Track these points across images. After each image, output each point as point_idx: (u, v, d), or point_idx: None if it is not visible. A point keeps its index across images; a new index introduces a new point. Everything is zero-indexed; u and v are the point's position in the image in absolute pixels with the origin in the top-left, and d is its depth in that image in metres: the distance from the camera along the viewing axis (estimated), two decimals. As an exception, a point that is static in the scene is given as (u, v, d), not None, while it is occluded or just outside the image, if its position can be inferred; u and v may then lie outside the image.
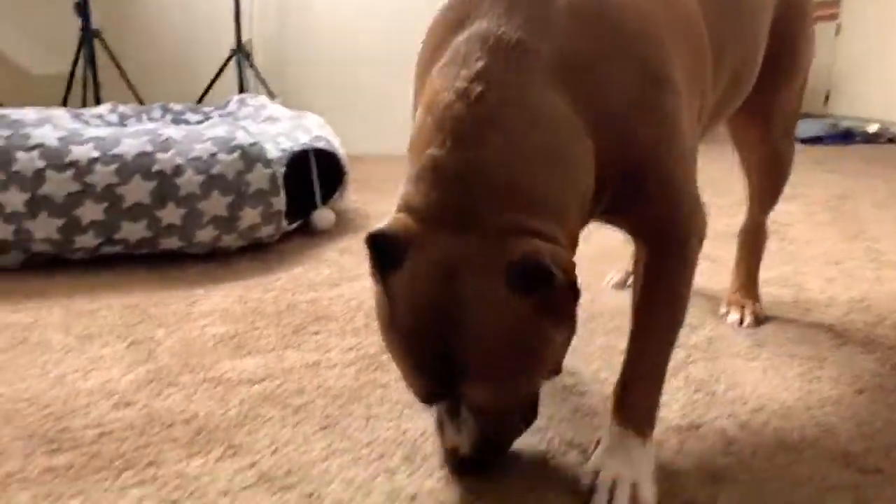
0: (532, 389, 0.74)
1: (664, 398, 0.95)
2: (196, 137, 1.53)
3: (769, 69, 1.07)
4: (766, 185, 1.23)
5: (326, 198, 1.84)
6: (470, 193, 0.62)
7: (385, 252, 0.64)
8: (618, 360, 1.06)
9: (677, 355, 1.08)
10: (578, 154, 0.67)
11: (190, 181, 1.46)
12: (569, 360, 1.07)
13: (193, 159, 1.49)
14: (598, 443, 0.79)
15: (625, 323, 1.20)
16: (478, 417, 0.71)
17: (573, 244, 0.70)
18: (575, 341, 1.11)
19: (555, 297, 0.63)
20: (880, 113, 4.03)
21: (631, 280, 1.37)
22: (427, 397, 0.70)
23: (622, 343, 1.12)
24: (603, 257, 1.59)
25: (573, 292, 0.65)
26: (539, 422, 0.89)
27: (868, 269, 1.52)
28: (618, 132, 0.69)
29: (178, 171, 1.46)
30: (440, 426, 0.76)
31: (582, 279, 1.43)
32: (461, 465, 0.76)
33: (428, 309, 0.63)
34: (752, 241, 1.29)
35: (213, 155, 1.50)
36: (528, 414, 0.78)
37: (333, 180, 1.87)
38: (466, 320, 0.62)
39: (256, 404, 0.94)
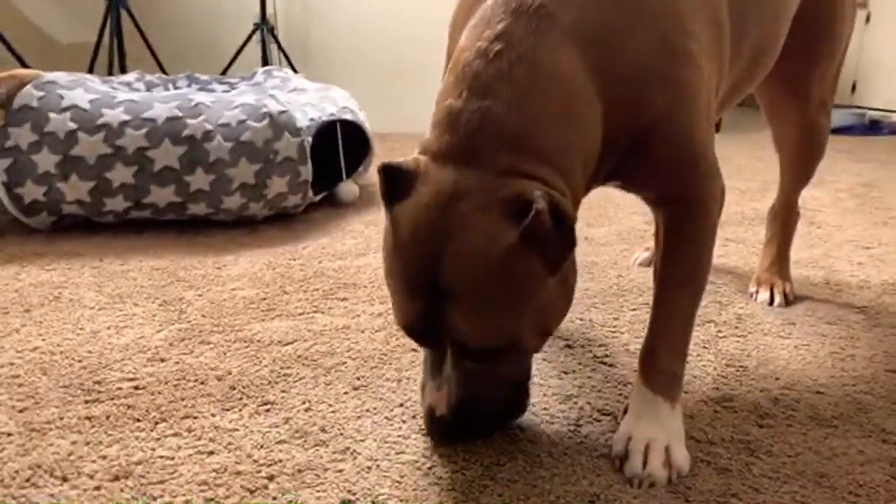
0: (517, 338, 0.69)
1: (696, 371, 0.95)
2: (226, 104, 1.54)
3: (807, 41, 1.05)
4: (801, 161, 1.21)
5: (351, 171, 1.84)
6: (478, 136, 0.66)
7: (395, 182, 0.68)
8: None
9: (708, 330, 1.08)
10: (586, 114, 0.70)
11: (219, 147, 1.47)
12: (598, 333, 1.07)
13: (223, 125, 1.49)
14: (626, 410, 0.79)
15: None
16: (460, 366, 0.70)
17: (575, 201, 0.71)
18: (603, 315, 1.11)
19: (546, 236, 0.64)
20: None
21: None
22: (413, 323, 0.69)
23: (652, 317, 1.12)
24: (629, 237, 1.58)
25: (567, 238, 0.66)
26: (570, 390, 0.89)
27: (899, 255, 1.50)
28: (632, 99, 0.71)
29: (207, 136, 1.46)
30: (422, 388, 0.76)
31: (610, 257, 1.43)
32: (438, 427, 0.74)
33: (422, 232, 0.66)
34: (784, 220, 1.27)
35: (243, 122, 1.50)
36: (515, 392, 0.76)
37: (358, 154, 1.87)
38: (457, 244, 0.64)
39: (288, 364, 0.95)
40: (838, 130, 3.82)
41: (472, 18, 0.73)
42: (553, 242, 0.65)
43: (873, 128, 3.78)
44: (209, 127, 1.47)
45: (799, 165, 1.22)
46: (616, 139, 0.72)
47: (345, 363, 0.95)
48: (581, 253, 1.43)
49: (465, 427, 0.75)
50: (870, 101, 4.27)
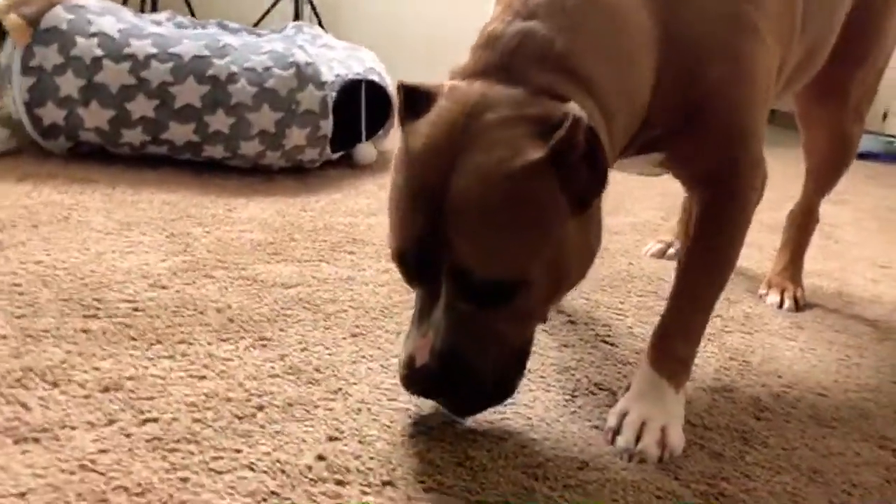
0: (526, 275, 0.60)
1: (698, 361, 0.93)
2: (254, 49, 1.52)
3: (851, 44, 1.03)
4: (827, 166, 1.19)
5: (371, 134, 1.82)
6: (516, 54, 0.61)
7: (414, 101, 0.62)
8: (652, 319, 1.05)
9: (714, 324, 1.06)
10: (640, 62, 0.66)
11: (242, 90, 1.45)
12: (603, 314, 1.06)
13: (248, 69, 1.47)
14: (627, 387, 0.78)
15: (661, 287, 1.18)
16: (453, 308, 0.61)
17: (613, 148, 0.66)
18: (610, 298, 1.10)
19: (576, 163, 0.58)
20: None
21: (669, 251, 1.36)
22: (408, 245, 0.60)
23: (657, 304, 1.11)
24: (644, 229, 1.57)
25: (599, 174, 0.60)
26: (568, 363, 0.88)
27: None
28: (688, 64, 0.68)
29: (231, 78, 1.45)
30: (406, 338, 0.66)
31: (622, 245, 1.41)
32: (415, 378, 0.63)
33: (435, 144, 0.58)
34: (801, 225, 1.25)
35: (268, 69, 1.49)
36: (511, 360, 0.66)
37: (380, 117, 1.85)
38: (472, 155, 0.57)
39: (289, 305, 0.94)
40: (864, 156, 3.76)
41: None
42: (583, 174, 0.59)
43: (901, 157, 3.72)
44: (234, 69, 1.46)
45: (825, 171, 1.20)
46: (664, 106, 0.68)
47: (345, 311, 0.94)
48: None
49: (448, 382, 0.62)
50: (901, 130, 4.20)
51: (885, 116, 4.40)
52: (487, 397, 0.66)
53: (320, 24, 2.98)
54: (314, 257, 1.13)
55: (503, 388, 0.66)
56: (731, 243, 0.77)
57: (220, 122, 1.46)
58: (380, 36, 3.18)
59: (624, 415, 0.73)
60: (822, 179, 1.21)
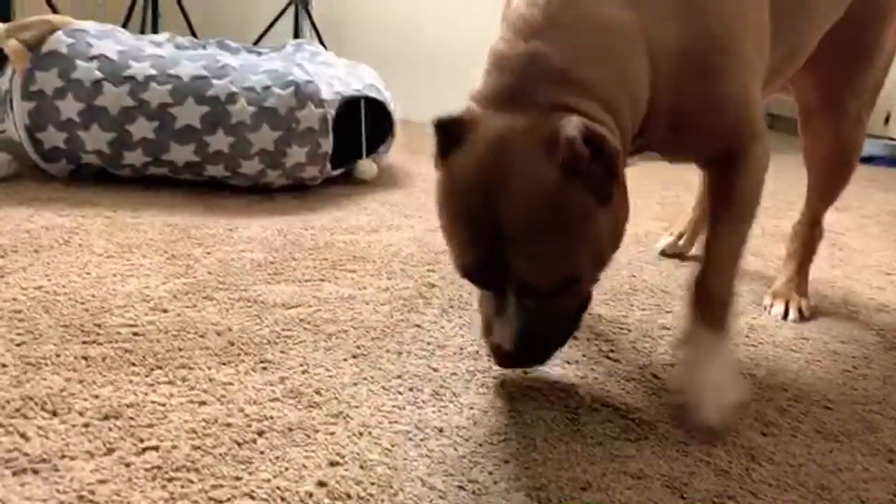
0: (576, 271, 0.71)
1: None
2: (252, 68, 1.53)
3: (849, 49, 1.03)
4: (830, 176, 1.18)
5: (371, 151, 1.83)
6: (524, 76, 0.68)
7: (449, 134, 0.70)
8: (655, 333, 1.04)
9: (718, 337, 1.05)
10: (634, 64, 0.72)
11: (242, 110, 1.46)
12: (606, 328, 1.05)
13: (247, 89, 1.48)
14: (678, 345, 0.84)
15: (664, 300, 1.18)
16: (521, 305, 0.72)
17: (624, 140, 0.74)
18: (613, 312, 1.10)
19: (586, 167, 0.65)
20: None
21: (680, 243, 1.41)
22: (475, 269, 0.72)
23: (660, 318, 1.10)
24: (646, 240, 1.56)
25: (609, 167, 0.66)
26: (572, 380, 0.88)
27: (921, 283, 1.46)
28: (675, 74, 0.74)
29: (231, 98, 1.46)
30: (486, 328, 0.77)
31: (625, 258, 1.40)
32: (505, 361, 0.78)
33: (477, 180, 0.68)
34: (806, 238, 1.24)
35: (267, 88, 1.49)
36: (572, 321, 0.79)
37: (380, 134, 1.85)
38: (508, 189, 0.66)
39: (290, 326, 0.94)
40: (867, 160, 3.75)
41: None
42: (595, 172, 0.66)
43: (904, 160, 3.71)
44: (234, 89, 1.47)
45: (828, 181, 1.19)
46: (656, 111, 0.75)
47: (346, 331, 0.94)
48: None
49: (528, 357, 0.78)
50: (903, 133, 4.19)
51: (887, 120, 4.39)
52: (557, 347, 0.80)
53: (321, 40, 3.00)
54: (315, 276, 1.13)
55: (567, 338, 0.81)
56: (746, 193, 0.85)
57: (220, 142, 1.46)
58: (380, 52, 3.20)
59: (687, 380, 0.80)
60: (824, 190, 1.20)
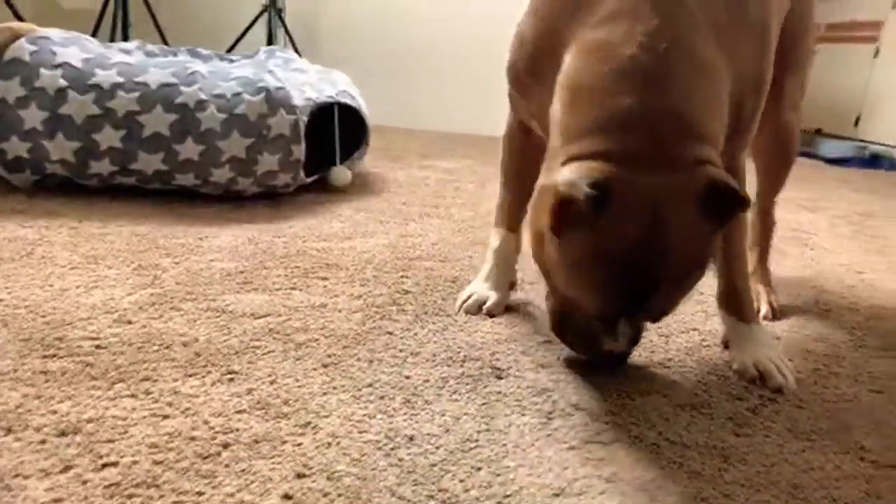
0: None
1: (675, 377, 0.93)
2: (223, 75, 1.51)
3: (783, 54, 1.08)
4: (775, 164, 1.25)
5: (346, 157, 1.81)
6: (662, 135, 0.72)
7: (595, 197, 0.71)
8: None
9: (692, 338, 1.06)
10: (726, 100, 0.80)
11: (212, 117, 1.44)
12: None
13: (217, 96, 1.46)
14: (725, 343, 1.01)
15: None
16: (643, 324, 0.84)
17: None
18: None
19: (729, 215, 0.75)
20: (911, 141, 3.95)
21: None
22: (623, 312, 0.79)
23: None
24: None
25: (739, 205, 0.75)
26: (545, 384, 0.87)
27: (891, 281, 1.48)
28: (739, 92, 0.82)
29: (201, 106, 1.44)
30: (588, 340, 0.85)
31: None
32: (615, 363, 0.90)
33: (640, 236, 0.72)
34: (762, 228, 1.30)
35: (238, 94, 1.47)
36: None
37: (355, 140, 1.84)
38: (668, 245, 0.72)
39: (258, 336, 0.92)
40: (837, 161, 3.82)
41: (597, 10, 0.78)
42: (730, 218, 0.76)
43: (873, 162, 3.78)
44: (203, 96, 1.45)
45: (774, 170, 1.27)
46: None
47: (317, 340, 0.92)
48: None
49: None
50: (872, 135, 4.28)
51: (857, 121, 4.48)
52: None
53: (295, 47, 2.98)
54: (286, 285, 1.11)
55: None
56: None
57: (189, 150, 1.44)
58: (355, 58, 3.19)
59: (752, 364, 0.93)
60: (772, 179, 1.27)
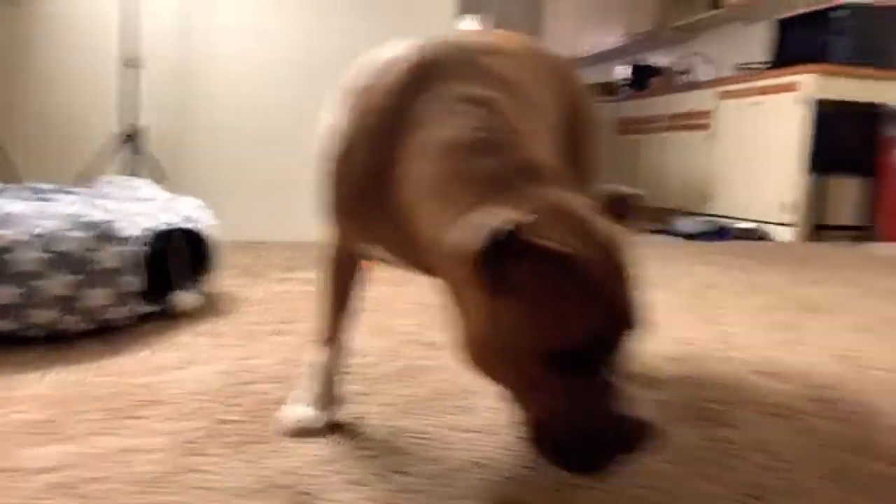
0: None
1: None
2: (45, 214, 1.47)
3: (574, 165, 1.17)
4: None
5: (195, 280, 1.78)
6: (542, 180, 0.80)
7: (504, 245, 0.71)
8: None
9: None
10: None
11: (29, 259, 1.39)
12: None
13: (37, 236, 1.42)
14: None
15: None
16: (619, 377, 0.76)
17: None
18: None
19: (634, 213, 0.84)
20: (752, 213, 4.39)
21: None
22: (618, 329, 0.75)
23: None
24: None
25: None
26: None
27: (718, 349, 1.59)
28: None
29: (14, 247, 1.38)
30: (571, 423, 0.75)
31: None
32: (655, 434, 0.80)
33: (602, 264, 0.74)
34: None
35: (59, 231, 1.43)
36: None
37: (205, 263, 1.82)
38: (614, 247, 0.76)
39: (45, 493, 0.85)
40: (694, 237, 4.16)
41: (424, 117, 0.86)
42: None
43: (721, 234, 4.14)
44: (19, 237, 1.40)
45: None
46: None
47: (113, 490, 0.87)
48: (419, 357, 1.43)
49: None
50: (718, 210, 4.72)
51: (706, 201, 4.92)
52: None
53: (161, 173, 2.96)
54: (96, 430, 1.05)
55: None
56: None
57: (3, 294, 1.37)
58: (224, 176, 3.21)
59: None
60: None
